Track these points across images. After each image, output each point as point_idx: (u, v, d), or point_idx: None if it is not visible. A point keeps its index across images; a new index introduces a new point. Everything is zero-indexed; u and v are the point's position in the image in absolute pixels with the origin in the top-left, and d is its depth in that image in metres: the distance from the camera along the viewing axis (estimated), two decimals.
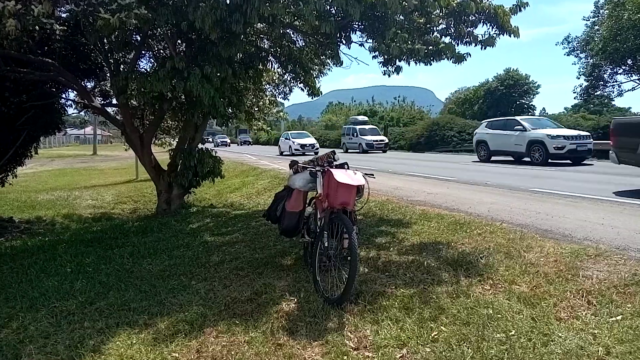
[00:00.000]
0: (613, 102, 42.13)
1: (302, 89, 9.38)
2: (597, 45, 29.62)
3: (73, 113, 12.34)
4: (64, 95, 9.98)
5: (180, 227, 7.66)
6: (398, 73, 6.92)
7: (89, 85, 9.94)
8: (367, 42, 6.81)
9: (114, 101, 9.69)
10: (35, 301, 4.33)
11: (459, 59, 6.17)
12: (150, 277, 4.93)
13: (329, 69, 10.04)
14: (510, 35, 5.82)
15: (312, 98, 9.91)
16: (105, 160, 32.01)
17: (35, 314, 4.00)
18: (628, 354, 2.80)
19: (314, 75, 9.35)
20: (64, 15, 6.56)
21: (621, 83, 32.05)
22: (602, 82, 32.59)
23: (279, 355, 3.13)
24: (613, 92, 33.01)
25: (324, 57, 8.84)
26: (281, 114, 13.36)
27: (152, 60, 9.65)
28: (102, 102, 10.11)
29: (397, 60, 6.63)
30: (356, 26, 6.70)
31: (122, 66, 8.80)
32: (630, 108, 38.55)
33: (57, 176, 21.52)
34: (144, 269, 5.28)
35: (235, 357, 3.14)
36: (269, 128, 13.38)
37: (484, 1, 5.74)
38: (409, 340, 3.16)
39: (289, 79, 10.32)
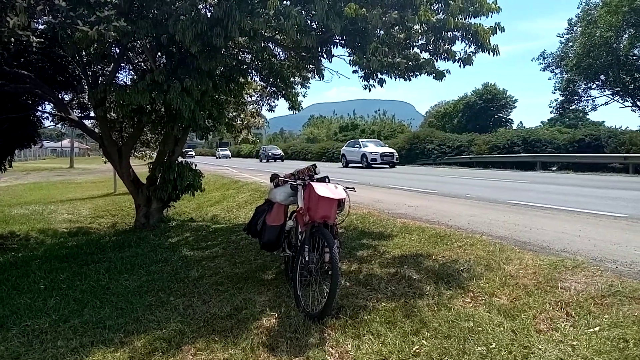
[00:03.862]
0: (587, 116, 43.39)
1: (280, 100, 9.39)
2: (571, 61, 30.53)
3: (49, 126, 12.07)
4: (40, 108, 9.79)
5: (158, 242, 7.53)
6: (382, 85, 6.94)
7: (67, 97, 9.75)
8: (348, 56, 6.86)
9: (92, 114, 9.54)
10: (6, 320, 4.19)
11: (439, 75, 6.24)
12: (127, 294, 4.82)
13: (308, 85, 10.06)
14: (489, 53, 5.92)
15: (293, 112, 9.91)
16: (82, 174, 31.37)
17: (6, 334, 3.86)
18: None
19: (296, 90, 9.36)
20: (40, 27, 6.46)
21: (595, 98, 33.08)
22: (576, 97, 33.54)
23: None
24: (587, 107, 34.00)
25: (305, 70, 8.88)
26: (261, 129, 13.32)
27: (132, 73, 9.54)
28: (80, 114, 9.94)
29: (379, 74, 6.68)
30: (337, 40, 6.75)
31: (100, 78, 8.68)
32: (604, 122, 39.67)
33: (32, 190, 20.97)
34: (121, 285, 5.16)
35: None
36: (254, 139, 13.34)
37: (463, 20, 5.84)
38: (390, 355, 3.14)
39: (270, 92, 10.31)
